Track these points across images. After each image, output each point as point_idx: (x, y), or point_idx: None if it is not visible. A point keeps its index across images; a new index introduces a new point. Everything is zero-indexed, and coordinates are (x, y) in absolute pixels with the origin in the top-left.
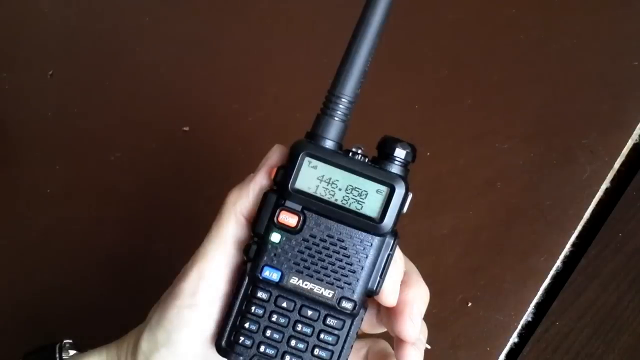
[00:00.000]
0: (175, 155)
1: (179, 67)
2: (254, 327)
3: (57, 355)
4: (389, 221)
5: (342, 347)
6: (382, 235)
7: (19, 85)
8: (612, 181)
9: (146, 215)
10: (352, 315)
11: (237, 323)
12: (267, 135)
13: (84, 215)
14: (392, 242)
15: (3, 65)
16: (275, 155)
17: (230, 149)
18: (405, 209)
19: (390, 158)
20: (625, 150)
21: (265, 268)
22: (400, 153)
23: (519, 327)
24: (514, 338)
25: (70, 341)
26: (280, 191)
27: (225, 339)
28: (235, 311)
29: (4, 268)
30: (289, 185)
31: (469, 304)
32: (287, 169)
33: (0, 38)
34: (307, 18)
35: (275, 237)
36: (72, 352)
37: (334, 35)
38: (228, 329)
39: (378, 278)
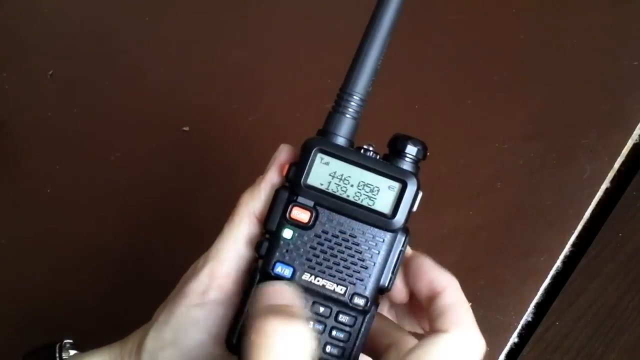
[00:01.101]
0: (175, 155)
1: (179, 67)
2: None
3: (57, 355)
4: (400, 217)
5: (354, 344)
6: (393, 231)
7: (19, 85)
8: (612, 181)
9: (146, 215)
10: (364, 311)
11: None
12: (267, 135)
13: (84, 215)
14: (403, 238)
15: (3, 65)
16: (283, 153)
17: (230, 149)
18: (416, 207)
19: (402, 155)
20: (625, 150)
21: (277, 264)
22: (411, 150)
23: (519, 327)
24: (514, 338)
25: (71, 341)
26: (292, 187)
27: (236, 335)
28: (247, 308)
29: (4, 268)
30: (302, 181)
31: (469, 304)
32: (299, 165)
33: (0, 38)
34: (307, 18)
35: (287, 233)
36: (72, 352)
37: (334, 35)
38: (239, 325)
39: (390, 274)
